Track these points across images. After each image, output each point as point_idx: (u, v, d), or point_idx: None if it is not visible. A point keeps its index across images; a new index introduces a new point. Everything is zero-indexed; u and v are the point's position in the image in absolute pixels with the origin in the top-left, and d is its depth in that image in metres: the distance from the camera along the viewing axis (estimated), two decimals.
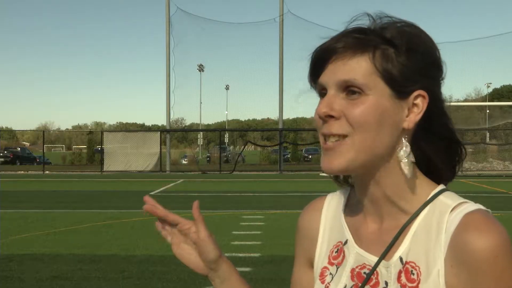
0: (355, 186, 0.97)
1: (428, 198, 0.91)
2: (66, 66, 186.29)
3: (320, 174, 28.36)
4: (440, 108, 0.92)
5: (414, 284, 0.87)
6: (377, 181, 0.91)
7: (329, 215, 1.04)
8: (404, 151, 0.89)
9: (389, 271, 0.90)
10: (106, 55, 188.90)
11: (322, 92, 0.91)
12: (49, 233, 9.28)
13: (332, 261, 0.99)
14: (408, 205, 0.91)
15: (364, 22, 0.92)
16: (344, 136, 0.88)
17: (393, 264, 0.90)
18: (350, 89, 0.88)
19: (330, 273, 0.98)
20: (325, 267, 1.00)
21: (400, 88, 0.88)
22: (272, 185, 20.59)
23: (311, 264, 1.04)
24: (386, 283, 0.90)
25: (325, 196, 1.07)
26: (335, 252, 0.99)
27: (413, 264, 0.88)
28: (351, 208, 1.00)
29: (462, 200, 0.90)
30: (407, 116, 0.89)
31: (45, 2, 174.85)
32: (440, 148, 0.93)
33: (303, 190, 17.85)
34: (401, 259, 0.89)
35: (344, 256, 0.97)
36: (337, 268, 0.97)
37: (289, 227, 9.31)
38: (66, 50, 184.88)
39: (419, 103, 0.89)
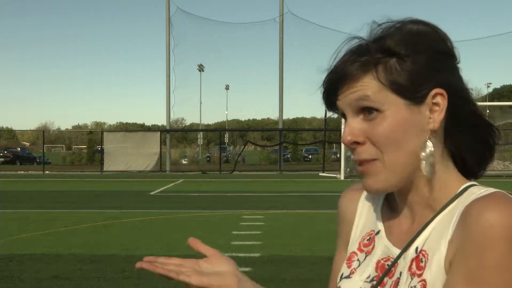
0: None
1: (457, 192, 0.90)
2: (66, 66, 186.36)
3: (320, 174, 28.35)
4: (462, 97, 0.90)
5: (421, 272, 0.87)
6: (415, 187, 0.91)
7: (366, 202, 1.04)
8: (426, 152, 0.88)
9: (405, 261, 0.90)
10: (106, 55, 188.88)
11: (344, 116, 0.92)
12: (49, 233, 9.28)
13: (362, 248, 1.00)
14: (440, 205, 0.91)
15: (364, 30, 0.91)
16: (375, 159, 0.89)
17: (410, 254, 0.90)
18: (366, 111, 0.88)
19: (358, 259, 0.99)
20: (354, 252, 1.01)
21: (413, 95, 0.87)
22: (272, 185, 20.57)
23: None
24: (401, 273, 0.91)
25: None
26: (367, 240, 1.00)
27: (424, 253, 0.88)
28: (389, 203, 1.00)
29: (489, 188, 0.88)
30: (430, 118, 0.88)
31: (45, 2, 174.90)
32: (474, 135, 0.92)
33: (303, 190, 17.82)
34: (416, 248, 0.90)
35: (374, 245, 0.98)
36: (366, 256, 0.98)
37: (289, 227, 9.30)
38: (66, 50, 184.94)
39: (439, 101, 0.87)
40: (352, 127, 0.89)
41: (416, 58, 0.87)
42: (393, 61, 0.87)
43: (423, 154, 0.88)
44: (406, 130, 0.87)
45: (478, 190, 0.88)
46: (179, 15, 33.71)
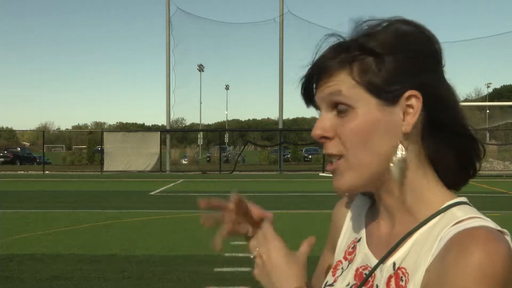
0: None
1: (441, 208, 0.87)
2: (66, 66, 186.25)
3: (320, 174, 28.36)
4: (442, 102, 0.87)
5: None
6: (388, 190, 0.90)
7: (355, 211, 1.04)
8: (397, 156, 0.86)
9: (382, 275, 0.89)
10: (106, 55, 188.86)
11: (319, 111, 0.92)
12: (49, 233, 9.28)
13: (347, 256, 1.00)
14: (420, 213, 0.88)
15: (346, 29, 0.90)
16: (341, 156, 0.88)
17: (386, 268, 0.89)
18: (338, 107, 0.87)
19: (342, 268, 0.99)
20: (340, 261, 1.01)
21: (385, 95, 0.85)
22: (272, 185, 20.58)
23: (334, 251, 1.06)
24: (377, 286, 0.89)
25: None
26: (351, 248, 1.00)
27: (403, 271, 0.86)
28: (373, 210, 1.00)
29: (476, 214, 0.84)
30: (403, 120, 0.86)
31: (45, 2, 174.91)
32: (453, 145, 0.89)
33: (303, 190, 17.85)
34: (394, 264, 0.88)
35: (355, 253, 0.98)
36: (349, 264, 0.98)
37: (289, 227, 9.28)
38: (66, 50, 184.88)
39: (413, 103, 0.85)
40: (323, 121, 0.89)
41: (393, 58, 0.85)
42: (370, 59, 0.85)
43: (394, 158, 0.86)
44: (376, 131, 0.85)
45: (462, 214, 0.84)
46: (179, 15, 33.76)
